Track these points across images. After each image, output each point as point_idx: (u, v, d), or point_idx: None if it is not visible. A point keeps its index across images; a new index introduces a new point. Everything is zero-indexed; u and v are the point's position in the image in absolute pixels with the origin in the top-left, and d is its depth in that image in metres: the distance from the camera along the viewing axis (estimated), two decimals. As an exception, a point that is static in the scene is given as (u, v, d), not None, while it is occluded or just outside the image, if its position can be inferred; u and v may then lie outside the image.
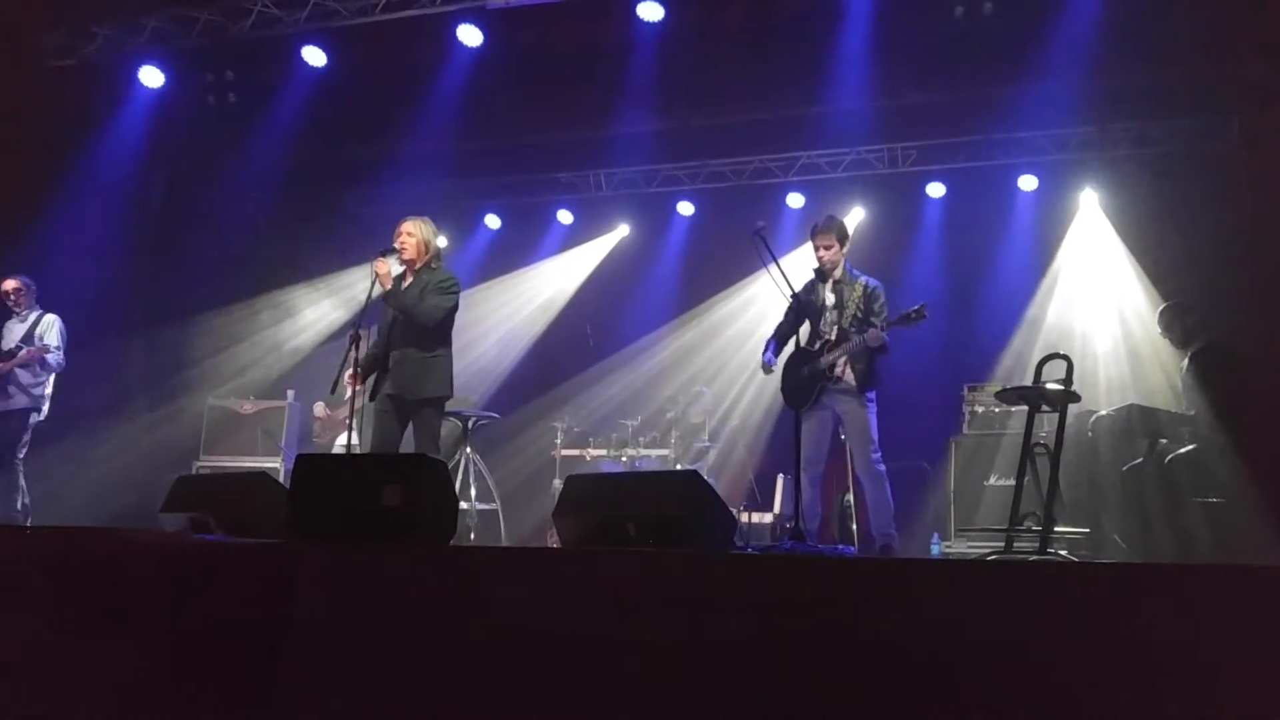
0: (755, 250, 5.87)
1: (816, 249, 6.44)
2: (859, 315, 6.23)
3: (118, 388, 9.34)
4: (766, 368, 6.58)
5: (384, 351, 6.11)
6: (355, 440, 6.40)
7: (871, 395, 6.23)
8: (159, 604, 3.19)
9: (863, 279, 6.37)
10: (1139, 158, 9.07)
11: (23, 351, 7.59)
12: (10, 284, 7.75)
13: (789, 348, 6.38)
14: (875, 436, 6.17)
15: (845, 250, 6.44)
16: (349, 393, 6.20)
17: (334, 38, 8.41)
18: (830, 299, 6.36)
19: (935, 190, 9.93)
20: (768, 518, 8.53)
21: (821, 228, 6.45)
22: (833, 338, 6.28)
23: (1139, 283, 9.04)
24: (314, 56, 8.53)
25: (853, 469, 6.68)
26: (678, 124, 9.50)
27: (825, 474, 6.52)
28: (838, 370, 6.20)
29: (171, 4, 8.36)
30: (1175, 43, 7.35)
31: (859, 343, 6.11)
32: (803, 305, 6.23)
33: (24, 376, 7.58)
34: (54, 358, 7.64)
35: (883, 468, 6.16)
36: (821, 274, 6.46)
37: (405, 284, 6.16)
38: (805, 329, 6.34)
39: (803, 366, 6.26)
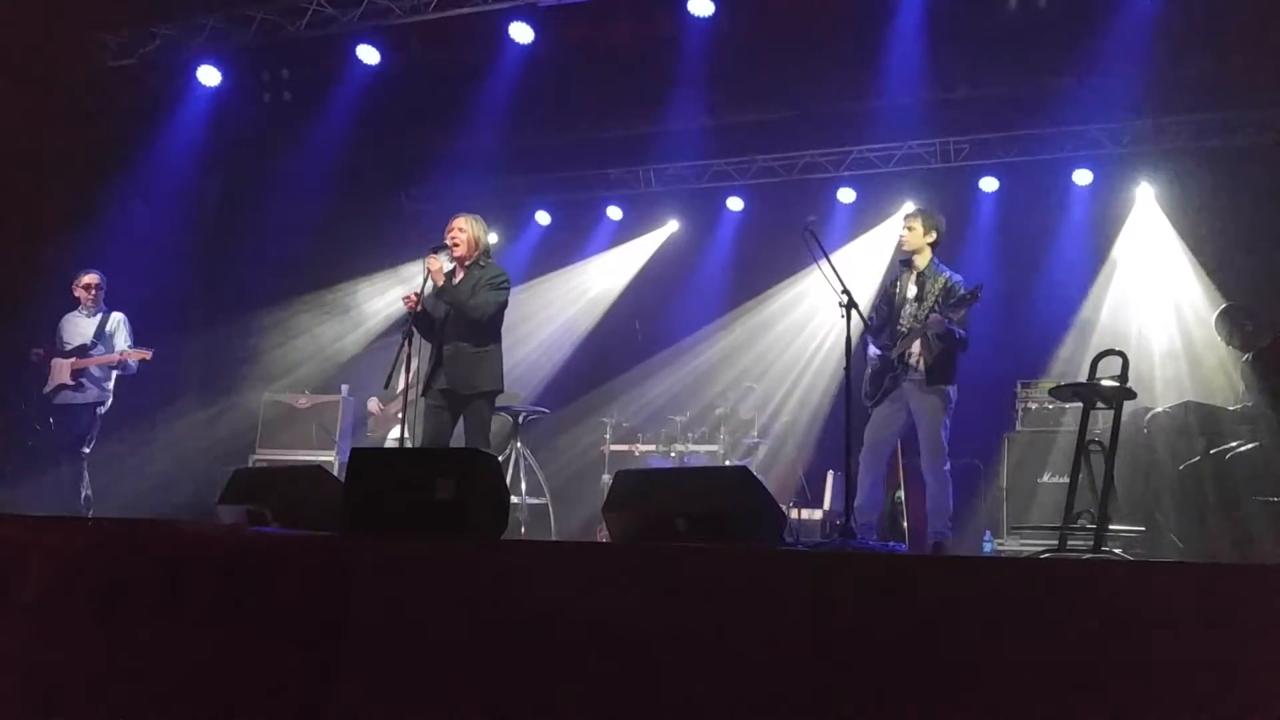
0: (806, 245, 5.86)
1: (902, 227, 6.52)
2: (936, 307, 6.19)
3: (176, 382, 9.51)
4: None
5: (436, 346, 6.18)
6: (407, 434, 6.47)
7: (949, 391, 6.19)
8: (216, 594, 3.25)
9: (947, 273, 6.35)
10: (1198, 151, 8.91)
11: (97, 350, 7.74)
12: (92, 279, 7.91)
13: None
14: (945, 438, 6.14)
15: (930, 240, 6.41)
16: (401, 384, 6.28)
17: (387, 36, 8.51)
18: (912, 291, 6.36)
19: (988, 185, 9.82)
20: (818, 514, 8.50)
21: (911, 210, 6.66)
22: (906, 329, 6.27)
23: (1196, 278, 8.88)
24: (368, 55, 8.62)
25: (903, 464, 6.64)
26: (728, 119, 9.50)
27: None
28: (910, 360, 6.18)
29: (228, 4, 8.51)
30: (1235, 32, 7.22)
31: (921, 329, 6.09)
32: (886, 298, 6.26)
33: (95, 371, 7.75)
34: (134, 362, 7.79)
35: (948, 467, 6.13)
36: (909, 264, 6.45)
37: (457, 280, 6.22)
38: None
39: (877, 358, 6.27)
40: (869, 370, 6.34)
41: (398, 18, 8.19)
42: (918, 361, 6.18)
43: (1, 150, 8.04)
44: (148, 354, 7.75)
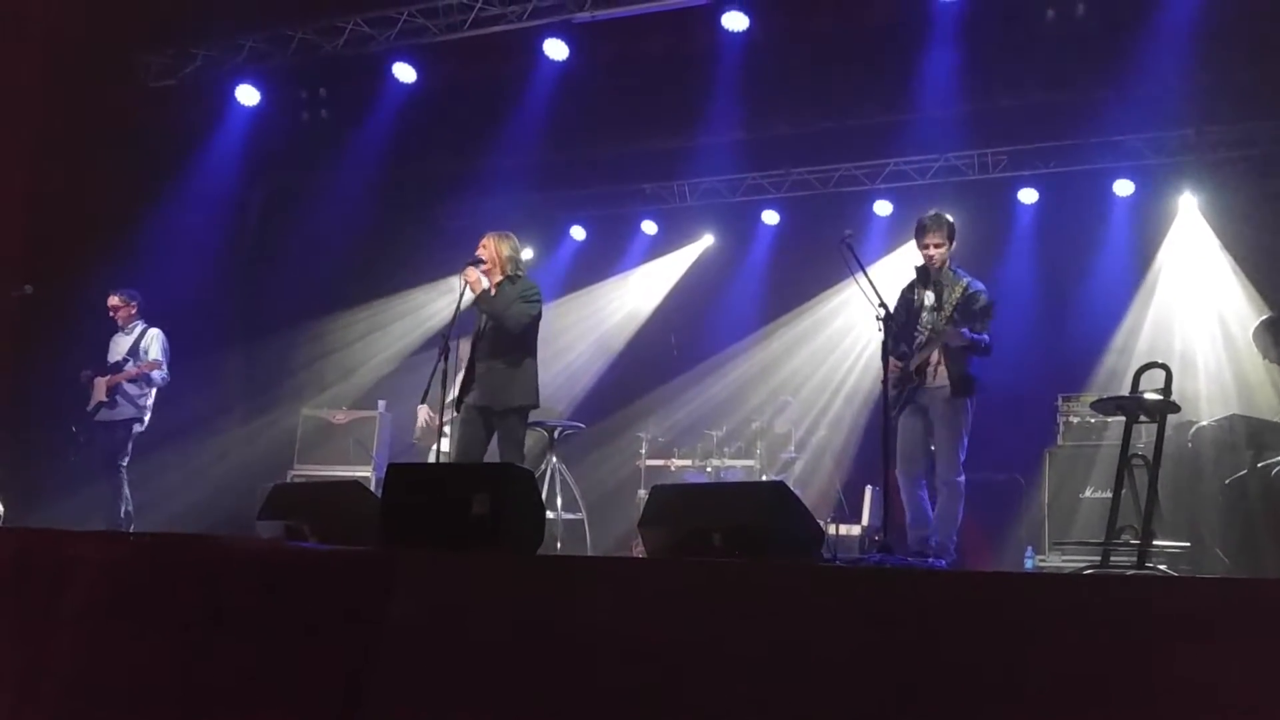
0: (842, 259, 5.81)
1: (925, 246, 6.18)
2: (955, 316, 6.00)
3: (216, 399, 9.62)
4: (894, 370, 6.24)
5: (470, 362, 6.21)
6: (446, 448, 6.51)
7: (969, 404, 6.04)
8: (255, 608, 3.27)
9: (965, 279, 6.12)
10: (1243, 159, 8.80)
11: (129, 365, 7.84)
12: (113, 300, 8.00)
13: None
14: (962, 450, 6.00)
15: (953, 249, 6.22)
16: (449, 397, 6.35)
17: (423, 54, 8.58)
18: (929, 299, 6.17)
19: (1027, 196, 9.73)
20: (855, 529, 8.43)
21: (930, 224, 6.20)
22: (924, 338, 6.10)
23: (1241, 289, 8.75)
24: (404, 73, 8.69)
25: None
26: (762, 133, 9.49)
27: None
28: (928, 371, 6.03)
29: (267, 24, 8.61)
30: (1277, 40, 7.12)
31: (940, 340, 5.95)
32: (905, 305, 6.15)
33: (130, 388, 7.84)
34: (160, 375, 7.86)
35: (962, 479, 5.99)
36: (924, 272, 6.26)
37: (491, 295, 6.27)
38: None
39: (895, 367, 6.16)
40: (889, 379, 6.21)
41: (434, 36, 8.27)
42: (936, 373, 6.02)
43: (47, 174, 8.20)
44: (157, 364, 7.80)
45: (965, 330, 5.88)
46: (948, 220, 6.27)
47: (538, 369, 6.31)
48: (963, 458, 6.02)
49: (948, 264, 6.22)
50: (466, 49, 8.45)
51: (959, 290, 6.05)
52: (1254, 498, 5.95)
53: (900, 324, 6.15)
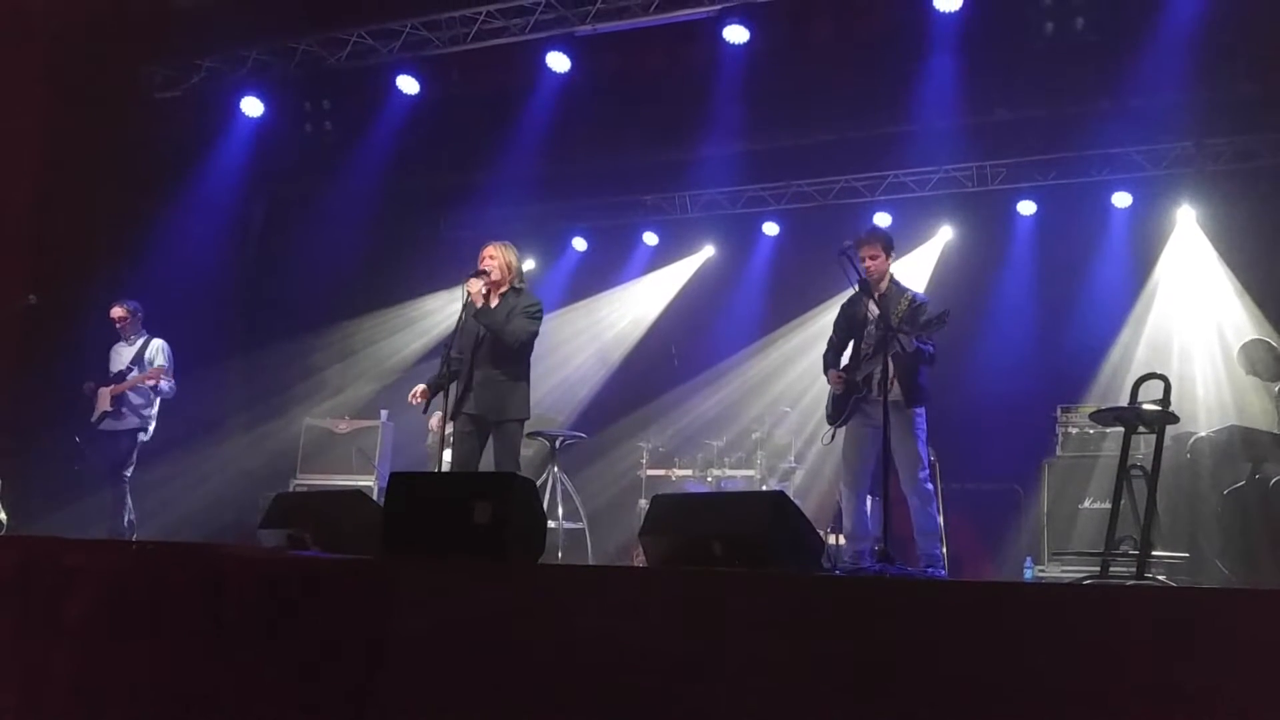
0: (841, 270, 5.83)
1: (863, 259, 6.16)
2: (905, 328, 5.93)
3: (219, 408, 9.64)
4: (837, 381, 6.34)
5: (467, 372, 6.20)
6: (448, 456, 6.54)
7: (920, 411, 6.05)
8: (258, 617, 3.28)
9: (910, 292, 6.18)
10: (1241, 172, 8.80)
11: (133, 373, 7.86)
12: (117, 311, 8.02)
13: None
14: (923, 453, 6.03)
15: (891, 261, 6.30)
16: (424, 407, 6.36)
17: (427, 66, 8.63)
18: (874, 311, 6.15)
19: (1026, 208, 9.74)
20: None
21: (865, 238, 6.29)
22: (870, 350, 6.09)
23: (1239, 301, 8.76)
24: (407, 85, 8.72)
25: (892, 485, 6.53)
26: (763, 145, 9.52)
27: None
28: (874, 382, 5.96)
29: (271, 36, 8.66)
30: (1276, 53, 7.15)
31: (888, 348, 5.86)
32: (847, 318, 6.16)
33: (135, 398, 7.85)
34: (167, 385, 7.88)
35: (930, 487, 6.02)
36: (866, 287, 6.14)
37: (492, 305, 6.26)
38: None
39: (839, 379, 6.19)
40: (831, 391, 6.26)
41: (436, 48, 8.32)
42: (890, 383, 5.86)
43: (52, 184, 8.24)
44: (161, 371, 7.83)
45: (914, 339, 5.86)
46: (883, 235, 6.43)
47: (530, 385, 6.33)
48: (924, 463, 6.04)
49: (890, 279, 6.28)
50: (469, 61, 8.51)
51: (905, 303, 6.11)
52: (1252, 508, 5.98)
53: (843, 337, 6.21)
